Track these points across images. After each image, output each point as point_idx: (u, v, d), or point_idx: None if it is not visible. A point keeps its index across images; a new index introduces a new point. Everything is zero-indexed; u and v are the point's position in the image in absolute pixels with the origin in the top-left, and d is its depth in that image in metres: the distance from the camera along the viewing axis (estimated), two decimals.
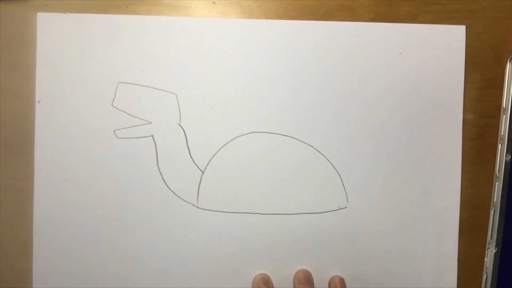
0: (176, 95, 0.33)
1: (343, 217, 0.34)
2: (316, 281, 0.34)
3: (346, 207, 0.34)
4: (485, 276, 0.35)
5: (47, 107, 0.33)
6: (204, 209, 0.34)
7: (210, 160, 0.34)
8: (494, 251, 0.34)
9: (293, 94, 0.34)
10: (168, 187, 0.33)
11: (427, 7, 0.35)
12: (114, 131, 0.33)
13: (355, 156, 0.34)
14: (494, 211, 0.35)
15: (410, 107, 0.35)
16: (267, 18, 0.34)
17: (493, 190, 0.35)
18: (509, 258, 0.34)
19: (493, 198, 0.35)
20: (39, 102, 0.33)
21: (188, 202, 0.34)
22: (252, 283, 0.34)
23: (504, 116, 0.35)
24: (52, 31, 0.33)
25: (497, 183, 0.35)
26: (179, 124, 0.34)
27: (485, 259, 0.35)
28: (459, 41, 0.35)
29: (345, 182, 0.34)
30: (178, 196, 0.34)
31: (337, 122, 0.34)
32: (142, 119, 0.33)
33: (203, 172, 0.34)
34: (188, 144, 0.34)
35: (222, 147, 0.34)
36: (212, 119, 0.34)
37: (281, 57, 0.34)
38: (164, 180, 0.33)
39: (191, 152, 0.34)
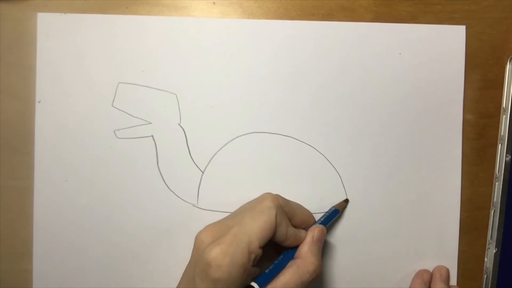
0: (176, 95, 0.33)
1: (343, 217, 0.34)
2: (316, 281, 0.34)
3: (345, 206, 0.34)
4: (485, 276, 0.35)
5: (47, 107, 0.33)
6: (204, 209, 0.34)
7: (210, 160, 0.34)
8: (494, 251, 0.34)
9: (293, 94, 0.34)
10: (168, 187, 0.33)
11: (427, 7, 0.35)
12: (114, 131, 0.33)
13: (355, 156, 0.34)
14: (494, 211, 0.35)
15: (410, 107, 0.35)
16: (267, 18, 0.34)
17: (493, 190, 0.35)
18: (509, 258, 0.34)
19: (493, 198, 0.35)
20: (39, 102, 0.33)
21: (188, 202, 0.34)
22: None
23: (504, 116, 0.35)
24: (52, 31, 0.33)
25: (497, 183, 0.35)
26: (179, 124, 0.34)
27: (485, 259, 0.35)
28: (459, 41, 0.35)
29: (345, 182, 0.34)
30: (178, 196, 0.34)
31: (337, 122, 0.34)
32: (142, 119, 0.33)
33: (203, 172, 0.34)
34: (188, 144, 0.34)
35: (222, 147, 0.34)
36: (212, 119, 0.34)
37: (281, 57, 0.34)
38: (164, 180, 0.33)
39: (191, 152, 0.34)
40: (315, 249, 0.30)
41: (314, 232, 0.31)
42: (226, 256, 0.26)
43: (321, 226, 0.31)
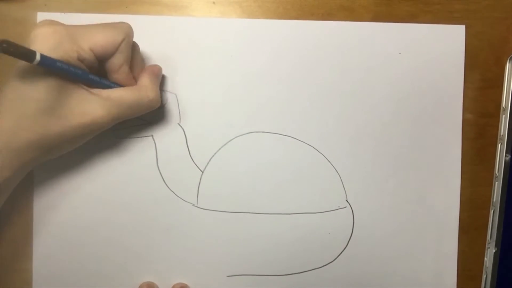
0: (176, 95, 0.33)
1: (343, 217, 0.34)
2: (317, 280, 0.34)
3: (345, 206, 0.34)
4: (484, 276, 0.35)
5: None
6: (204, 209, 0.34)
7: (210, 160, 0.34)
8: (494, 251, 0.34)
9: (293, 94, 0.34)
10: (168, 187, 0.33)
11: (427, 7, 0.35)
12: (114, 131, 0.33)
13: (355, 156, 0.34)
14: (493, 211, 0.35)
15: (410, 107, 0.35)
16: (267, 18, 0.34)
17: (492, 190, 0.35)
18: (509, 258, 0.34)
19: (493, 198, 0.35)
20: None
21: (188, 202, 0.34)
22: None
23: (504, 115, 0.35)
24: None
25: (496, 182, 0.35)
26: (179, 124, 0.34)
27: (485, 259, 0.35)
28: (458, 41, 0.35)
29: (345, 181, 0.34)
30: (178, 196, 0.34)
31: (337, 122, 0.34)
32: (142, 119, 0.33)
33: (203, 172, 0.34)
34: (188, 144, 0.34)
35: (222, 147, 0.34)
36: (212, 119, 0.34)
37: (281, 57, 0.34)
38: (164, 180, 0.33)
39: (191, 152, 0.34)
40: (155, 80, 0.31)
41: (153, 67, 0.31)
42: (54, 35, 0.26)
43: (157, 65, 0.32)
